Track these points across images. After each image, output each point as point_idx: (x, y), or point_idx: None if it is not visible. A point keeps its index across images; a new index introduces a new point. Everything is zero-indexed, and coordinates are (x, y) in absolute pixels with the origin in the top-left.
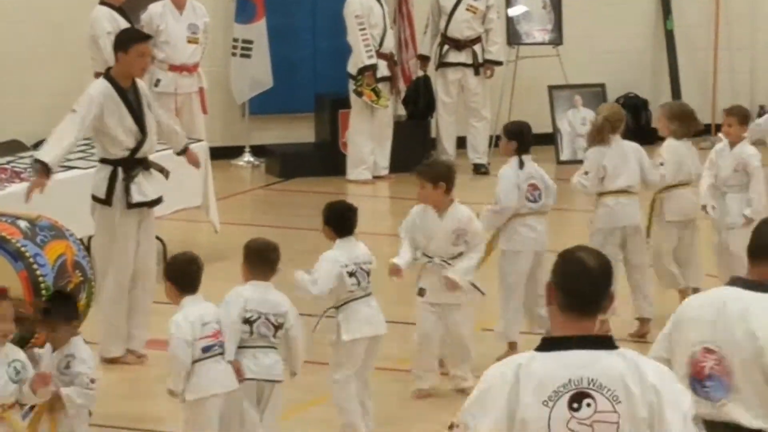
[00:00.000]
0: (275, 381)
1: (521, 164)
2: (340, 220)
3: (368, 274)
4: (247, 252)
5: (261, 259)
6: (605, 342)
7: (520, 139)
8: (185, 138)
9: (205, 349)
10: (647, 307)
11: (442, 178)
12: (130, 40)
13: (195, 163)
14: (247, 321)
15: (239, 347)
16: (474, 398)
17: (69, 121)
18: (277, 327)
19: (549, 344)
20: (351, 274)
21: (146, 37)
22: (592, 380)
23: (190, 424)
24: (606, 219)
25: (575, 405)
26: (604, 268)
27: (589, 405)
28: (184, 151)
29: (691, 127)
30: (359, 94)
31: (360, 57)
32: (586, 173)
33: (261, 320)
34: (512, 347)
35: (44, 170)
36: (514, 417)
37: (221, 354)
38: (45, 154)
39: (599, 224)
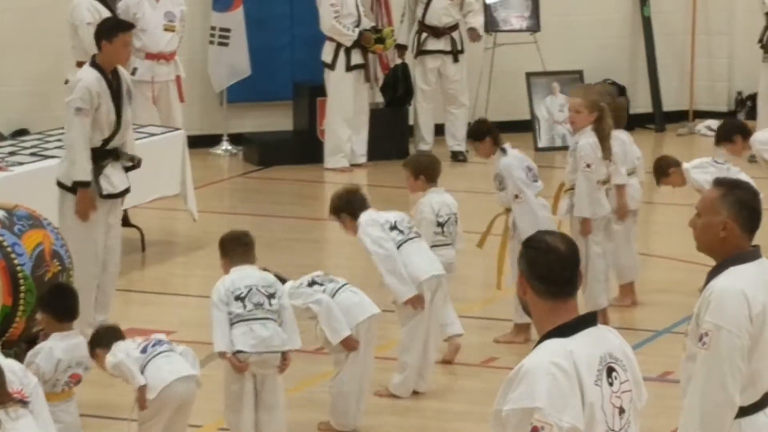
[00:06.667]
0: (275, 353)
1: (504, 152)
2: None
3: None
4: (221, 243)
5: (236, 245)
6: (595, 318)
7: (493, 133)
8: None
9: (143, 350)
10: (608, 295)
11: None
12: (114, 29)
13: None
14: (238, 298)
15: (235, 322)
16: (546, 395)
17: (80, 124)
18: (270, 296)
19: (564, 330)
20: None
21: (130, 27)
22: (611, 354)
23: (145, 414)
24: (596, 209)
25: (609, 380)
26: (573, 249)
27: (616, 378)
28: None
29: (622, 119)
30: (373, 52)
31: (345, 37)
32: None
33: (252, 291)
34: (520, 329)
35: (86, 186)
36: (585, 403)
37: (166, 352)
38: (82, 172)
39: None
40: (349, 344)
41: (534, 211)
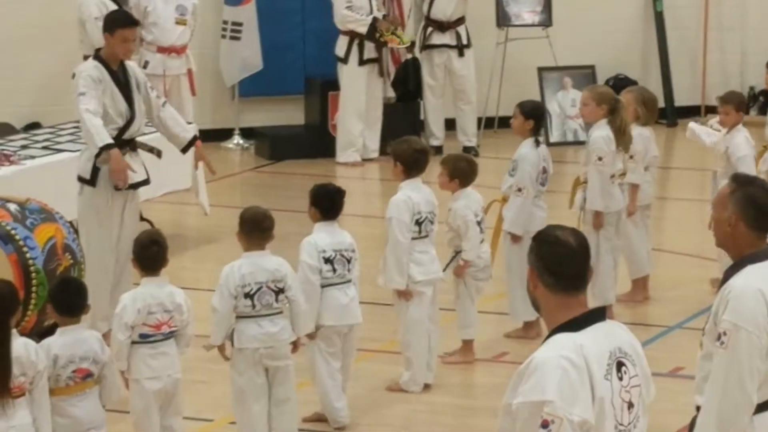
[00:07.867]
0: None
1: (537, 144)
2: (328, 202)
3: (349, 261)
4: (241, 221)
5: (255, 228)
6: (605, 313)
7: (538, 118)
8: (190, 131)
9: (143, 336)
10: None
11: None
12: (115, 23)
13: (202, 158)
14: (248, 295)
15: (242, 317)
16: (557, 388)
17: (85, 104)
18: (278, 292)
19: (574, 324)
20: (327, 260)
21: (132, 23)
22: (620, 349)
23: (132, 403)
24: (609, 203)
25: (619, 375)
26: (584, 244)
27: (626, 372)
28: (189, 145)
29: (655, 116)
30: (384, 43)
31: (358, 23)
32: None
33: (262, 290)
34: (527, 327)
35: (112, 148)
36: (595, 397)
37: (164, 340)
38: (100, 139)
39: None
40: (309, 337)
41: (529, 209)
